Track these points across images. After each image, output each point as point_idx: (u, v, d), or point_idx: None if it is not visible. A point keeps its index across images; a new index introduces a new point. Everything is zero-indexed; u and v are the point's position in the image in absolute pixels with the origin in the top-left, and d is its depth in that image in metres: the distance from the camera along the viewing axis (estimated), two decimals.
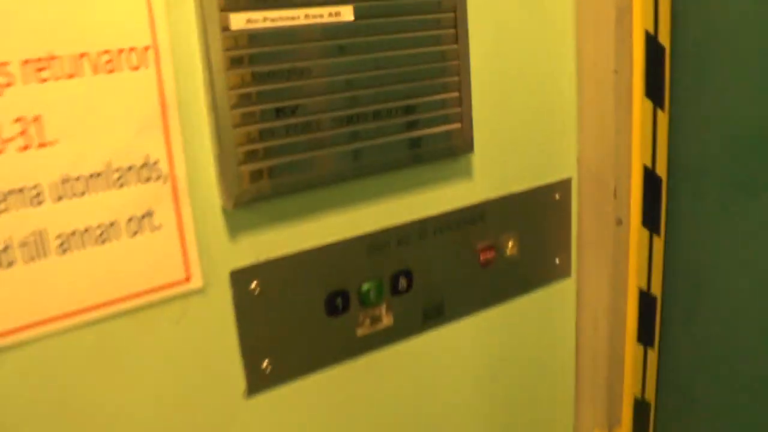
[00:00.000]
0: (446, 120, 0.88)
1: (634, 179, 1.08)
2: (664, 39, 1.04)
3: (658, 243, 1.14)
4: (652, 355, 1.21)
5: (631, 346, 1.18)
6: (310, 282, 0.84)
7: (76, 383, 0.71)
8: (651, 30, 1.03)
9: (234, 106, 0.71)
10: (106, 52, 0.65)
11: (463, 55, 0.88)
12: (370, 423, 0.96)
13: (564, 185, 1.07)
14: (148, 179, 0.70)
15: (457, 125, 0.89)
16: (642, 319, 1.17)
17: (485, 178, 0.97)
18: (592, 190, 1.09)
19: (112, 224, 0.69)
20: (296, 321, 0.84)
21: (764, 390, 1.10)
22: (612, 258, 1.11)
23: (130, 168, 0.68)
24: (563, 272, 1.12)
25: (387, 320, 0.92)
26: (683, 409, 1.24)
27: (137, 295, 0.72)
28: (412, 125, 0.85)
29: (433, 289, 0.95)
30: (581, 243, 1.12)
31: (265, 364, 0.83)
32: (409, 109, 0.84)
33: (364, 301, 0.89)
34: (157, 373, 0.76)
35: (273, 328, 0.83)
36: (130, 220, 0.70)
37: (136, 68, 0.67)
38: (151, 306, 0.74)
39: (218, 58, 0.70)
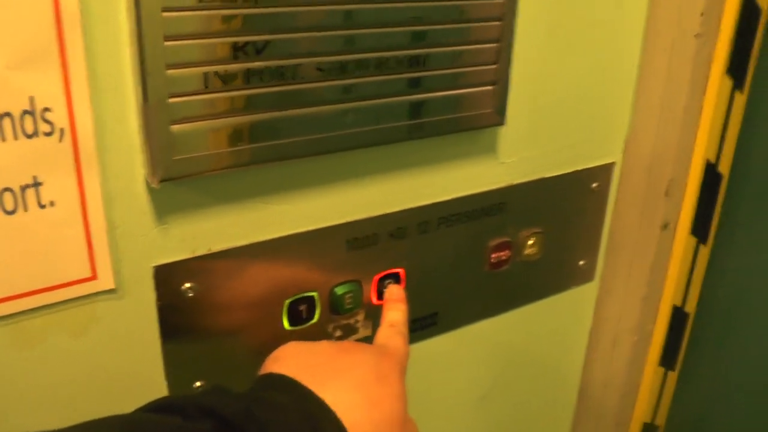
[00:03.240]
0: (475, 80, 0.65)
1: (692, 176, 0.86)
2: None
3: (704, 254, 0.94)
4: (672, 378, 1.03)
5: (651, 370, 0.99)
6: (265, 283, 0.62)
7: None
8: None
9: (169, 37, 0.47)
10: None
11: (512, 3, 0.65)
12: None
13: (605, 172, 0.86)
14: (33, 134, 0.47)
15: (488, 88, 0.66)
16: (669, 339, 0.98)
17: (513, 158, 0.75)
18: (638, 183, 0.87)
19: None
20: (243, 333, 0.63)
21: None
22: (649, 267, 0.91)
23: (3, 116, 0.45)
24: (586, 277, 0.91)
25: (364, 331, 0.72)
26: None
27: (15, 297, 0.51)
28: (426, 83, 0.62)
29: (427, 294, 0.75)
30: (614, 245, 0.91)
31: (197, 385, 0.62)
32: (424, 61, 0.61)
33: (337, 308, 0.68)
34: (49, 402, 0.55)
35: (212, 343, 0.62)
36: (4, 192, 0.47)
37: None
38: (38, 314, 0.52)
39: None
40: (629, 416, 1.03)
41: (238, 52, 0.50)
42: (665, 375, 1.02)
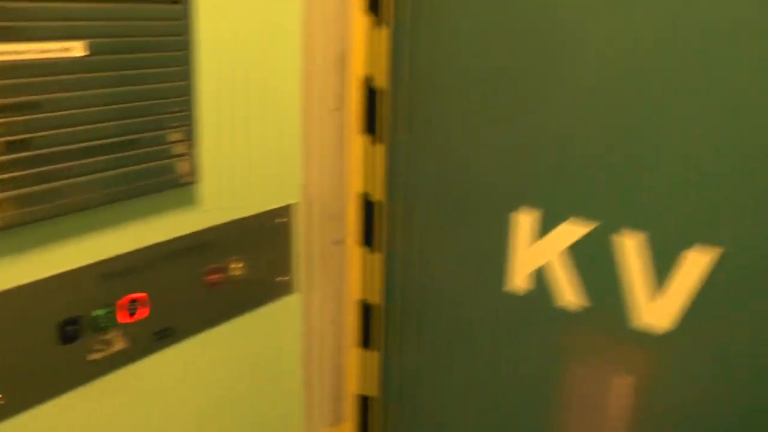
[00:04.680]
0: (173, 153, 0.98)
1: (351, 204, 1.25)
2: (380, 82, 1.22)
3: (378, 259, 1.33)
4: (375, 357, 1.40)
5: (353, 352, 1.36)
6: (38, 313, 0.90)
7: None
8: (368, 74, 1.21)
9: None
10: None
11: (192, 93, 0.99)
12: None
13: (288, 210, 1.22)
14: None
15: (184, 158, 1.00)
16: (365, 326, 1.36)
17: (212, 205, 1.08)
18: (314, 214, 1.25)
19: None
20: (23, 352, 0.90)
21: (475, 386, 1.33)
22: (334, 275, 1.28)
23: None
24: (287, 290, 1.27)
25: (119, 344, 1.01)
26: (408, 403, 1.45)
27: None
28: (141, 158, 0.94)
29: (164, 311, 1.05)
30: (306, 262, 1.28)
31: None
32: (138, 143, 0.93)
33: (96, 327, 0.97)
34: None
35: (7, 359, 0.88)
36: None
37: None
38: None
39: None
40: (344, 391, 1.39)
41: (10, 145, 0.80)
42: (369, 355, 1.39)
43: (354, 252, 1.29)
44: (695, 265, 1.03)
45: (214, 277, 1.11)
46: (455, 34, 1.16)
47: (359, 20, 1.19)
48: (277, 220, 1.20)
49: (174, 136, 0.98)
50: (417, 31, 1.20)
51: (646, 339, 1.11)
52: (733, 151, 0.99)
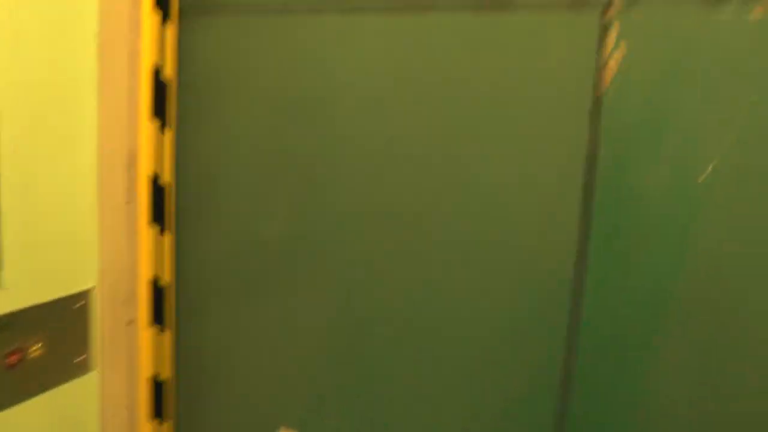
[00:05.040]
0: None
1: (141, 288, 1.40)
2: (166, 178, 1.40)
3: (167, 337, 1.48)
4: (168, 428, 1.52)
5: (146, 424, 1.47)
6: None
7: None
8: (155, 171, 1.38)
9: None
10: None
11: None
12: None
13: (86, 295, 1.34)
14: None
15: None
16: (157, 400, 1.48)
17: (14, 291, 1.19)
18: (109, 298, 1.38)
19: None
20: None
21: None
22: (128, 353, 1.41)
23: None
24: (85, 369, 1.37)
25: None
26: None
27: None
28: None
29: None
30: (102, 342, 1.39)
31: None
32: None
33: None
34: None
35: None
36: None
37: None
38: None
39: None
40: None
41: None
42: (159, 428, 1.51)
43: (145, 332, 1.42)
44: None
45: (13, 358, 1.20)
46: (222, 140, 1.38)
47: (146, 125, 1.37)
48: (75, 305, 1.31)
49: None
50: (196, 135, 1.40)
51: None
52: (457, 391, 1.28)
